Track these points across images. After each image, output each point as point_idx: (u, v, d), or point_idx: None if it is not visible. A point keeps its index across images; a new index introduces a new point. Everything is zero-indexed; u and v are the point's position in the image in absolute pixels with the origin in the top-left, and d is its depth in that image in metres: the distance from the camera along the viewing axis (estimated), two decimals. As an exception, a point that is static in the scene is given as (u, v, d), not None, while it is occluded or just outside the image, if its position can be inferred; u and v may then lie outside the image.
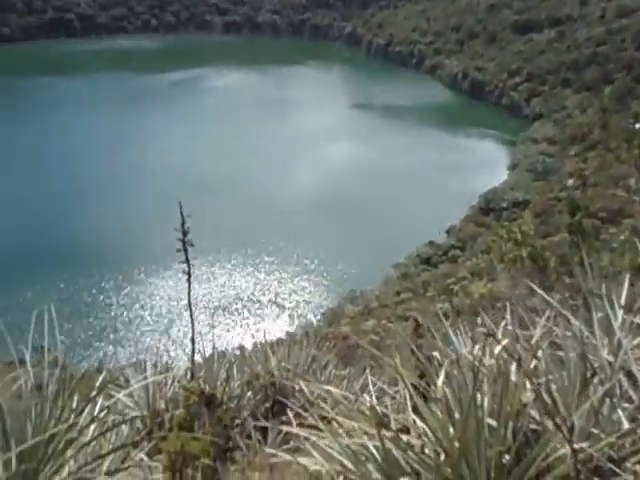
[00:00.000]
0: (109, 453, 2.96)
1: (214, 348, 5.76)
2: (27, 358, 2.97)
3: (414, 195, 47.54)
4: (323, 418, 2.30)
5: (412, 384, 2.16)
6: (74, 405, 2.97)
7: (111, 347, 31.50)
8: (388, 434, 1.89)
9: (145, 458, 3.11)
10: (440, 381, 2.03)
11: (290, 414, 2.61)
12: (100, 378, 3.62)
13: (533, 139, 61.19)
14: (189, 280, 4.67)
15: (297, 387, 4.24)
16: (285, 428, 2.64)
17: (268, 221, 43.66)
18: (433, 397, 2.06)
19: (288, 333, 17.41)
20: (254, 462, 3.65)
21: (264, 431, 4.20)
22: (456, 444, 1.85)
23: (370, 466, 2.00)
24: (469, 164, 54.79)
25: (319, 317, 32.98)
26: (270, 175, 52.13)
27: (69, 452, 2.82)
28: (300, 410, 2.59)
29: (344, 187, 49.39)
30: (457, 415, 1.95)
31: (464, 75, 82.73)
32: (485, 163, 56.07)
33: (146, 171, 52.24)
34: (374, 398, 2.39)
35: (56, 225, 42.55)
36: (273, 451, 2.54)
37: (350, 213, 45.14)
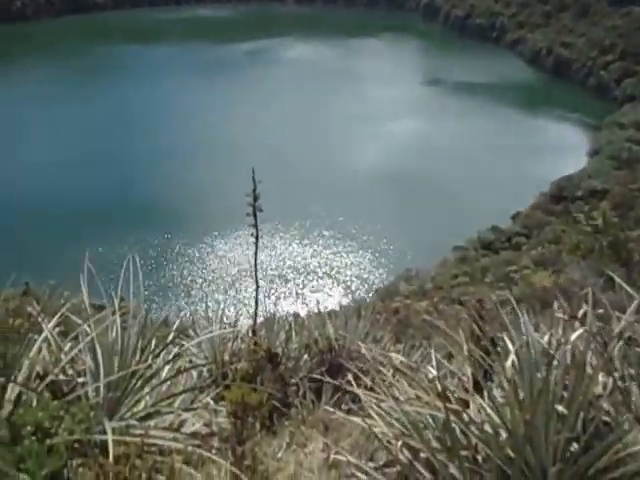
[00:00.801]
0: (181, 393, 3.23)
1: (274, 311, 6.01)
2: (115, 303, 3.26)
3: (481, 177, 45.93)
4: (382, 383, 2.40)
5: (477, 361, 2.20)
6: (152, 348, 3.25)
7: (181, 302, 33.30)
8: (451, 407, 1.96)
9: (211, 402, 3.36)
10: (509, 362, 2.06)
11: (350, 376, 2.73)
12: (174, 327, 3.92)
13: (620, 124, 56.66)
14: (256, 244, 4.87)
15: (355, 352, 4.37)
16: (348, 387, 2.75)
17: (329, 194, 43.82)
18: (501, 377, 2.09)
19: (341, 306, 17.63)
20: (308, 419, 3.85)
21: (318, 393, 4.40)
22: (522, 426, 1.88)
23: (429, 434, 2.09)
24: (545, 148, 51.93)
25: (372, 293, 33.08)
26: (335, 148, 52.00)
27: (146, 388, 3.11)
28: (359, 373, 2.70)
29: (409, 165, 48.49)
30: (524, 397, 1.98)
31: (548, 51, 77.57)
32: (562, 148, 52.91)
33: (218, 138, 53.53)
34: (436, 370, 2.46)
35: (135, 184, 44.85)
36: (331, 409, 2.68)
37: (413, 192, 44.39)
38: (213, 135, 54.53)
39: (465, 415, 2.07)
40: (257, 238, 4.55)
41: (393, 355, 2.51)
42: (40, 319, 3.04)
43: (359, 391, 2.41)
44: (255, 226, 4.45)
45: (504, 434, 2.05)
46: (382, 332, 5.08)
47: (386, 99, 63.83)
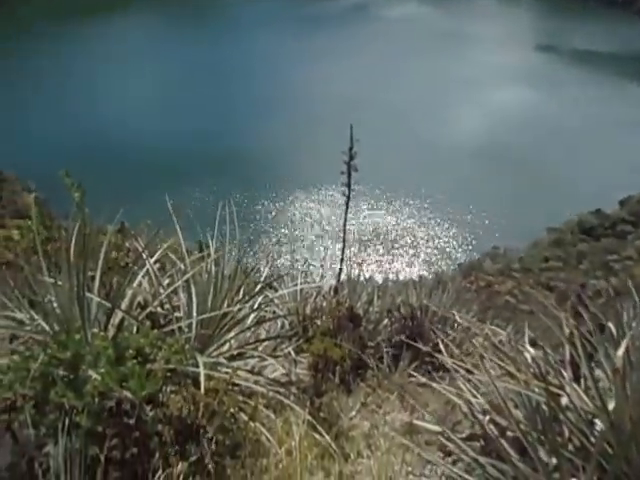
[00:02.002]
0: (265, 340, 3.34)
1: (356, 274, 6.00)
2: (211, 245, 3.40)
3: (590, 156, 42.19)
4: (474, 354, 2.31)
5: (579, 344, 2.04)
6: (242, 294, 3.37)
7: (266, 255, 34.37)
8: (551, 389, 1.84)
9: (292, 353, 3.45)
10: (621, 351, 1.88)
11: (441, 345, 2.65)
12: (262, 277, 4.04)
13: None
14: (347, 203, 4.84)
15: (438, 322, 4.27)
16: (435, 354, 2.68)
17: (419, 162, 42.60)
18: (605, 365, 1.93)
19: (421, 276, 17.35)
20: (384, 383, 3.85)
21: (395, 360, 4.38)
22: (628, 420, 1.73)
23: (519, 414, 1.99)
24: (671, 128, 46.50)
25: (454, 268, 32.23)
26: (432, 115, 50.05)
27: (233, 331, 3.24)
28: (447, 341, 2.62)
29: (510, 137, 45.62)
30: (632, 392, 1.81)
31: (684, 21, 68.63)
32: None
33: (311, 94, 53.47)
34: (533, 350, 2.32)
35: (226, 135, 46.34)
36: (414, 374, 2.64)
37: (511, 166, 41.90)
38: (307, 91, 54.50)
39: (563, 399, 1.94)
40: (348, 198, 4.51)
41: (489, 327, 2.40)
42: (144, 254, 3.23)
43: (447, 359, 2.33)
44: (348, 186, 4.40)
45: (603, 426, 1.91)
46: (468, 306, 4.91)
47: (493, 65, 59.94)
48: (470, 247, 36.46)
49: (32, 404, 1.85)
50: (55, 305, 2.78)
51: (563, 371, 2.20)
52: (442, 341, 2.71)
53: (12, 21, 73.92)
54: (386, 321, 4.72)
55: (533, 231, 34.85)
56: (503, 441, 1.92)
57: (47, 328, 2.67)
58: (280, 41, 66.77)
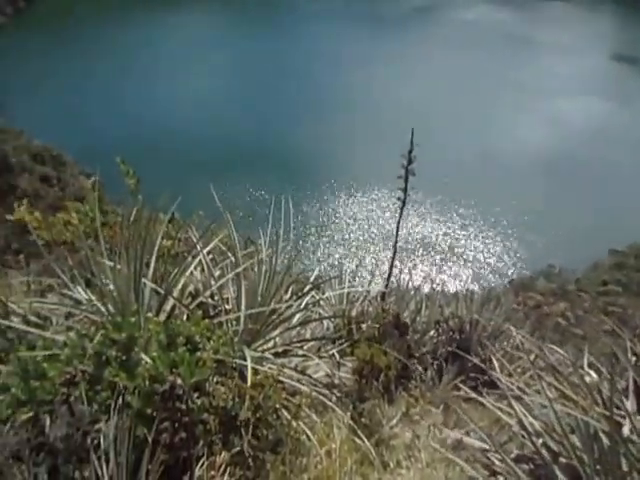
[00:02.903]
0: (312, 340, 3.33)
1: (405, 281, 5.90)
2: (263, 241, 3.43)
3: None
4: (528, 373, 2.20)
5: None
6: (291, 293, 3.37)
7: (315, 255, 34.39)
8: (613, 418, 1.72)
9: (336, 355, 3.43)
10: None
11: (495, 361, 2.55)
12: (312, 277, 4.04)
13: None
14: (402, 207, 4.76)
15: (487, 337, 4.13)
16: (493, 374, 2.59)
17: (476, 171, 41.51)
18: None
19: (468, 289, 16.88)
20: (427, 395, 3.76)
21: (440, 372, 4.27)
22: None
23: (576, 440, 1.88)
24: None
25: (505, 284, 31.18)
26: (495, 122, 48.71)
27: (279, 328, 3.25)
28: (500, 358, 2.52)
29: (576, 151, 43.62)
30: None
31: None
32: None
33: (371, 97, 53.16)
34: (596, 375, 2.19)
35: (282, 132, 46.83)
36: (463, 388, 2.55)
37: (574, 181, 40.08)
38: (366, 93, 54.27)
39: (624, 430, 1.81)
40: (404, 202, 4.44)
41: (548, 346, 2.29)
42: (198, 245, 3.30)
43: (499, 375, 2.24)
44: (404, 190, 4.33)
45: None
46: (520, 324, 4.73)
47: (565, 73, 57.70)
48: (523, 263, 35.19)
49: (87, 381, 1.92)
50: (112, 288, 2.88)
51: (625, 400, 2.07)
52: (494, 357, 2.60)
53: (90, 5, 77.69)
54: (433, 332, 4.62)
55: (594, 252, 33.19)
56: (556, 467, 1.82)
57: (103, 309, 2.77)
58: (343, 40, 66.83)
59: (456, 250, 37.63)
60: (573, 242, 33.52)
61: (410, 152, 4.30)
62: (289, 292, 3.42)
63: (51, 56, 61.08)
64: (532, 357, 2.80)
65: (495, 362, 2.58)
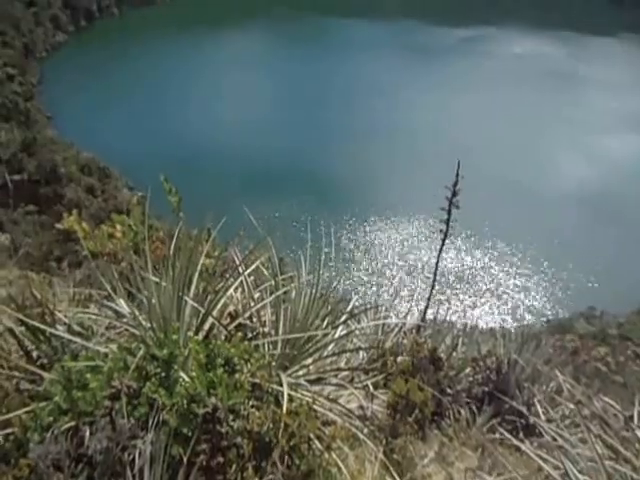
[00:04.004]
0: (347, 369, 3.29)
1: (442, 315, 5.78)
2: (303, 265, 3.44)
3: None
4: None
5: None
6: (330, 320, 3.35)
7: (348, 281, 34.19)
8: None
9: (370, 386, 3.37)
10: None
11: (537, 404, 2.45)
12: (349, 307, 4.00)
13: None
14: (444, 240, 4.70)
15: (527, 380, 3.98)
16: (533, 419, 2.48)
17: (515, 206, 40.78)
18: None
19: (505, 328, 16.46)
20: (461, 435, 3.63)
21: (473, 412, 4.12)
22: None
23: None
24: None
25: (542, 323, 30.18)
26: (536, 157, 47.99)
27: (315, 355, 3.22)
28: (544, 403, 2.41)
29: (622, 189, 42.36)
30: None
31: None
32: None
33: (413, 126, 53.27)
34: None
35: (316, 155, 47.39)
36: (500, 430, 2.45)
37: (619, 221, 38.86)
38: (408, 121, 54.45)
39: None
40: (446, 235, 4.39)
41: (595, 394, 2.18)
42: (240, 267, 3.33)
43: (543, 422, 2.14)
44: (447, 222, 4.28)
45: None
46: (560, 367, 4.54)
47: (609, 109, 56.61)
48: (561, 304, 34.02)
49: (127, 395, 1.94)
50: (155, 303, 2.92)
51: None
52: (536, 401, 2.50)
53: (138, 24, 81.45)
54: (469, 370, 4.48)
55: (638, 296, 31.86)
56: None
57: (145, 324, 2.82)
58: (387, 68, 67.55)
59: (492, 285, 36.80)
60: (617, 284, 32.26)
61: (455, 185, 4.26)
62: (326, 320, 3.40)
63: (105, 72, 64.16)
64: (575, 404, 2.68)
65: (539, 407, 2.47)
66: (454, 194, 4.19)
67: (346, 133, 51.96)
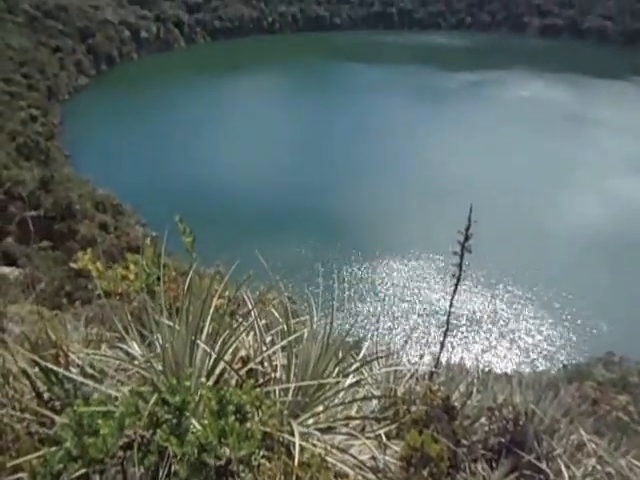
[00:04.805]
0: (359, 418, 3.22)
1: (456, 360, 5.68)
2: (315, 313, 3.43)
3: None
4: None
5: None
6: (343, 367, 3.31)
7: (355, 323, 33.67)
8: None
9: (383, 436, 3.28)
10: None
11: (558, 459, 2.37)
12: (361, 353, 3.96)
13: None
14: (456, 285, 4.66)
15: (545, 432, 3.85)
16: (553, 478, 2.39)
17: (526, 247, 40.54)
18: None
19: (520, 373, 16.03)
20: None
21: (490, 464, 3.98)
22: None
23: None
24: None
25: (559, 369, 29.37)
26: (548, 201, 48.03)
27: (326, 403, 3.16)
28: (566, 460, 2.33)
29: (636, 232, 42.11)
30: None
31: None
32: None
33: (423, 167, 53.84)
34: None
35: (322, 195, 47.87)
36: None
37: (637, 264, 38.41)
38: (418, 163, 55.08)
39: None
40: (458, 280, 4.36)
41: (620, 451, 2.10)
42: (252, 311, 3.33)
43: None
44: (459, 267, 4.26)
45: None
46: (581, 419, 4.39)
47: (622, 152, 56.98)
48: (578, 349, 33.21)
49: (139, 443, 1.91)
50: (167, 346, 2.92)
51: None
52: (556, 455, 2.41)
53: (156, 69, 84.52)
54: (484, 419, 4.35)
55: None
56: None
57: (157, 367, 2.80)
58: (397, 109, 69.06)
59: (506, 329, 36.14)
60: (635, 329, 31.51)
61: (467, 229, 4.26)
62: (340, 365, 3.35)
63: (123, 113, 66.32)
64: (598, 460, 2.58)
65: (560, 463, 2.39)
66: (466, 238, 4.19)
67: (357, 173, 52.74)
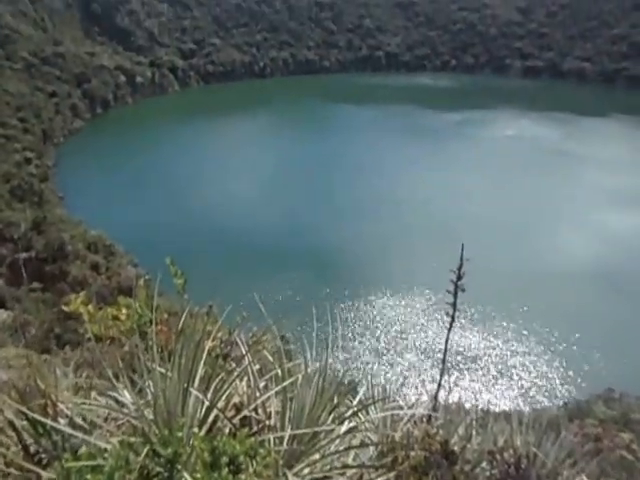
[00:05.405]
0: (356, 467, 3.12)
1: (453, 401, 5.57)
2: (309, 356, 3.37)
3: None
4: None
5: None
6: (339, 414, 3.23)
7: (352, 364, 33.19)
8: None
9: (381, 485, 3.17)
10: None
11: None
12: (357, 398, 3.87)
13: None
14: (451, 324, 4.63)
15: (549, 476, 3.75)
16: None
17: (518, 283, 40.58)
18: None
19: (519, 412, 15.74)
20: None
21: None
22: None
23: None
24: None
25: (558, 407, 28.84)
26: (538, 237, 48.45)
27: (322, 451, 3.07)
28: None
29: (628, 266, 42.34)
30: None
31: None
32: None
33: (413, 205, 54.39)
34: None
35: (318, 232, 48.10)
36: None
37: (630, 299, 38.42)
38: (408, 201, 55.72)
39: None
40: (453, 318, 4.34)
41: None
42: (246, 356, 3.27)
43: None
44: (453, 306, 4.25)
45: None
46: (584, 462, 4.28)
47: (608, 188, 58.04)
48: (578, 385, 32.75)
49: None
50: (159, 393, 2.84)
51: None
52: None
53: (150, 111, 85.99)
54: (485, 464, 4.23)
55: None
56: None
57: (149, 416, 2.72)
58: (386, 148, 70.48)
59: (503, 367, 35.68)
60: (634, 364, 31.22)
61: (460, 268, 4.28)
62: (333, 412, 3.27)
63: (116, 154, 67.14)
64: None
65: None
66: (459, 277, 4.20)
67: (348, 210, 53.22)
